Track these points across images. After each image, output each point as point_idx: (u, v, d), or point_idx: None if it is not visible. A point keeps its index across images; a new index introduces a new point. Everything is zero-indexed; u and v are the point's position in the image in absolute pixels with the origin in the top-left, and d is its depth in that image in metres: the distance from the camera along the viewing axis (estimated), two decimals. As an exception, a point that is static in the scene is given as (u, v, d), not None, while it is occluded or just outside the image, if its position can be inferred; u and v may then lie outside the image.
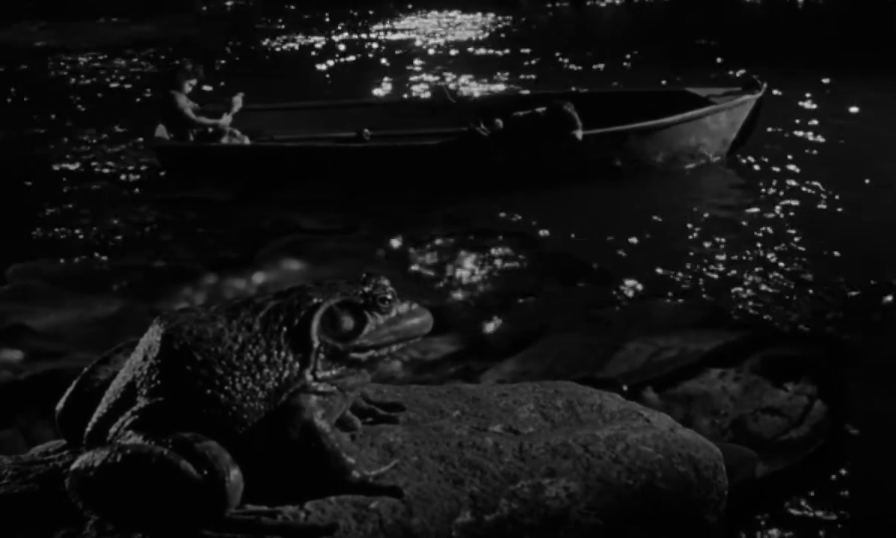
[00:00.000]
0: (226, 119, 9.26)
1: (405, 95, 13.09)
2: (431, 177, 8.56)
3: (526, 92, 12.07)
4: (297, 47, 18.53)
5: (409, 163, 8.74)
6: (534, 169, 8.53)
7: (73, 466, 1.89)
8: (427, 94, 12.84)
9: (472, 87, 13.76)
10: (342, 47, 18.32)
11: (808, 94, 11.71)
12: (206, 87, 11.76)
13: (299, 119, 10.01)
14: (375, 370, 2.11)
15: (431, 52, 17.44)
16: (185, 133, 9.14)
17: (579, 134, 8.35)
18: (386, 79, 14.71)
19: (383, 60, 16.67)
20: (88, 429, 2.00)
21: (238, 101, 9.37)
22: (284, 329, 1.99)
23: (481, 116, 8.98)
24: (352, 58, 17.17)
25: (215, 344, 1.95)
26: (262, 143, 9.60)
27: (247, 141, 9.41)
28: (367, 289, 2.07)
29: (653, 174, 8.72)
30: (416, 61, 16.34)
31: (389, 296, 2.07)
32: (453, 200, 8.35)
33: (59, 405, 2.14)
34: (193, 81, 9.24)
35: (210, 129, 9.19)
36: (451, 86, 11.53)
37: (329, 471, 1.92)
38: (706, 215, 7.93)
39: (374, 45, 18.44)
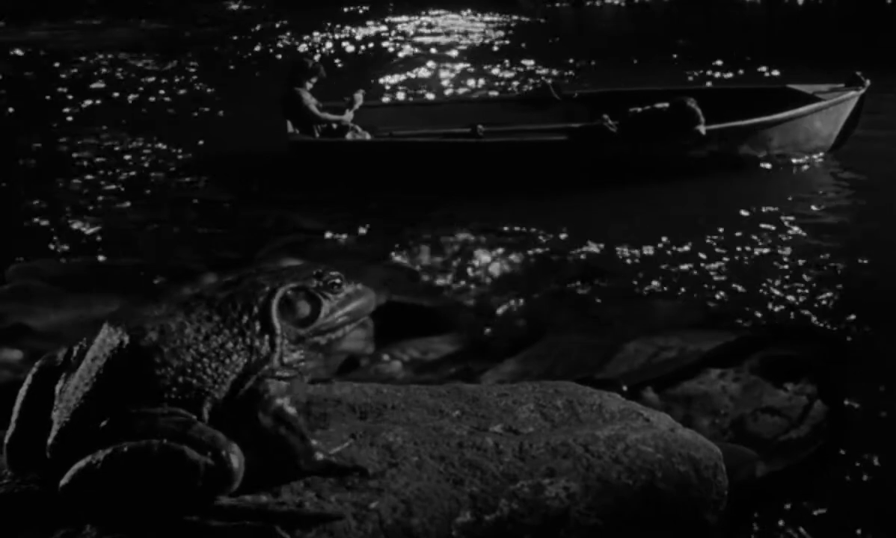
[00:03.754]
0: (348, 115, 9.36)
1: (511, 91, 12.99)
2: (556, 172, 8.54)
3: (630, 88, 11.97)
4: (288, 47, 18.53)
5: (536, 158, 8.70)
6: (654, 163, 8.57)
7: (71, 472, 1.88)
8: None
9: (473, 89, 13.76)
10: (332, 47, 18.32)
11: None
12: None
13: (409, 115, 10.12)
14: (332, 353, 2.19)
15: (432, 52, 17.43)
16: (311, 129, 9.26)
17: (702, 129, 8.46)
18: (392, 80, 14.70)
19: (387, 61, 16.66)
20: (51, 441, 1.96)
21: (359, 97, 9.51)
22: (245, 317, 2.04)
23: (592, 112, 9.06)
24: (350, 57, 17.17)
25: (179, 336, 1.98)
26: (383, 138, 9.63)
27: (368, 136, 9.51)
28: (315, 272, 2.16)
29: (672, 173, 8.68)
30: (423, 61, 16.34)
31: (339, 280, 2.17)
32: (454, 200, 8.34)
33: (8, 433, 2.08)
34: (314, 79, 9.34)
35: (334, 126, 9.32)
36: (557, 81, 11.41)
37: (296, 453, 1.97)
38: (713, 215, 7.89)
39: (375, 46, 18.43)
